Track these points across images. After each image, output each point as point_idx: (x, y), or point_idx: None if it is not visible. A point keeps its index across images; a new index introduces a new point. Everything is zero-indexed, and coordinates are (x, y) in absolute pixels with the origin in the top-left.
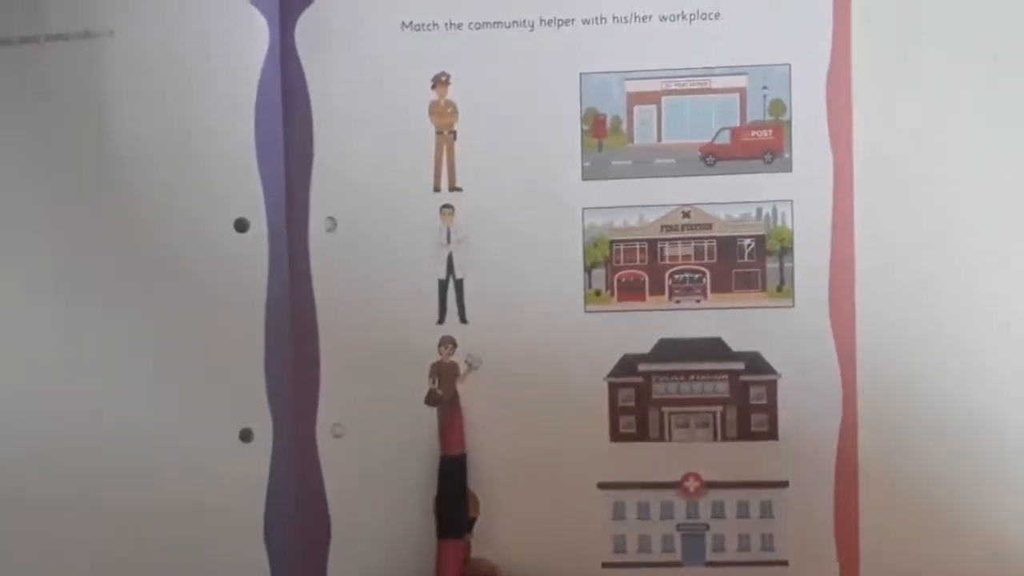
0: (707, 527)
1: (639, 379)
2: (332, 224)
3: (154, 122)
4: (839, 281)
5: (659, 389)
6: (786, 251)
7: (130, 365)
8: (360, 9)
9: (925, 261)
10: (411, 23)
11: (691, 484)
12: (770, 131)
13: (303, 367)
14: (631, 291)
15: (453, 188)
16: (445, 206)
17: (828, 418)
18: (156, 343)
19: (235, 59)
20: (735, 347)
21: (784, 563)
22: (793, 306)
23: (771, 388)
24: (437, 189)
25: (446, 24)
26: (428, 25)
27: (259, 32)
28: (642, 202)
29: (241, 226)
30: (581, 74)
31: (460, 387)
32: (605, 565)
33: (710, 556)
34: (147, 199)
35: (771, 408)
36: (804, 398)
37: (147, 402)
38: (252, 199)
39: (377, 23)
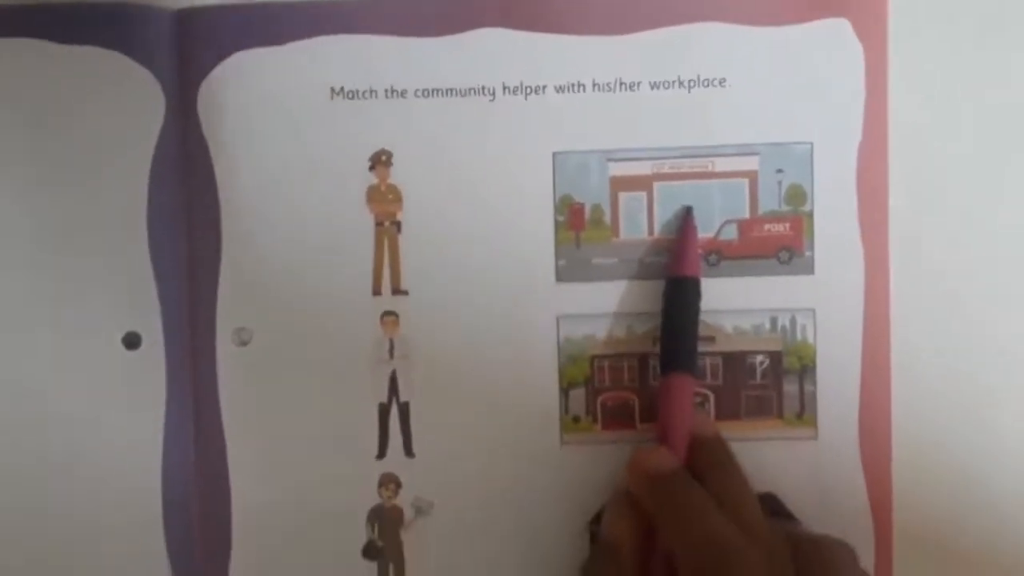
0: None
1: None
2: (245, 336)
3: (20, 207)
4: (872, 408)
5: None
6: (807, 370)
7: None
8: (281, 72)
9: (974, 383)
10: (343, 90)
11: None
12: (787, 224)
13: (211, 513)
14: (618, 418)
15: (397, 291)
16: (387, 313)
17: None
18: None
19: (121, 133)
20: None
21: None
22: (816, 438)
23: None
24: (377, 292)
25: (387, 91)
26: (365, 92)
27: (151, 99)
28: (630, 309)
29: (131, 341)
30: (554, 153)
31: (405, 537)
32: None
33: None
34: (15, 305)
35: None
36: None
37: None
38: (145, 307)
39: (302, 89)
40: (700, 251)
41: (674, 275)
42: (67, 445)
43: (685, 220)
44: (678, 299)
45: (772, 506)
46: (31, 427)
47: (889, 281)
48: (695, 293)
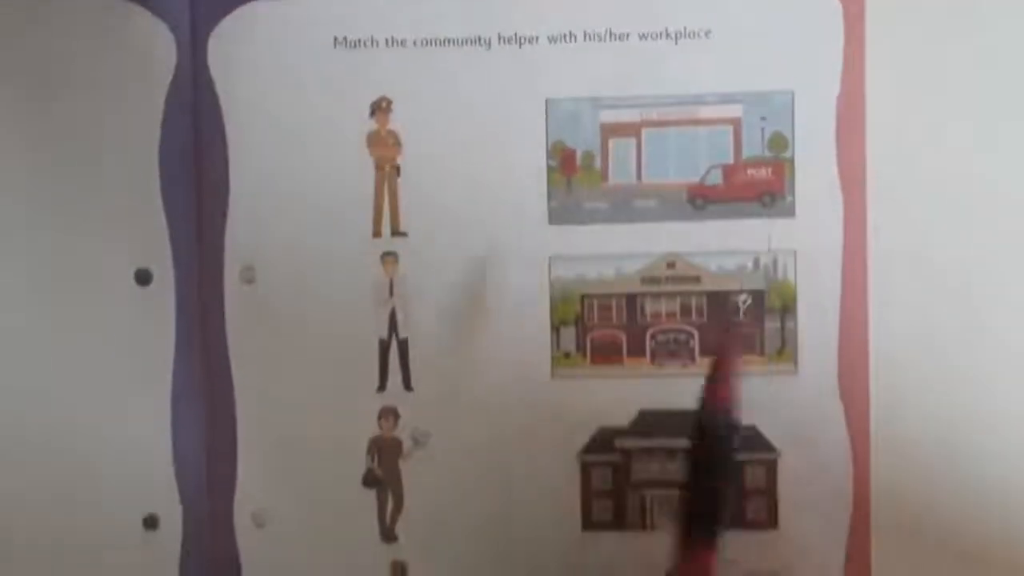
0: None
1: (616, 457)
2: (251, 274)
3: (35, 149)
4: (850, 344)
5: (640, 469)
6: (788, 309)
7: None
8: (286, 23)
9: (951, 320)
10: (346, 39)
11: None
12: (769, 169)
13: (218, 444)
14: (606, 354)
15: (396, 233)
16: (387, 254)
17: (836, 506)
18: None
19: (135, 81)
20: None
21: None
22: (796, 373)
23: (770, 469)
24: (377, 234)
25: (387, 40)
26: (366, 42)
27: (163, 49)
28: (619, 251)
29: (143, 278)
30: (547, 100)
31: (403, 467)
32: None
33: None
34: (32, 248)
35: (769, 493)
36: (808, 481)
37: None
38: (156, 246)
39: (306, 39)
40: (685, 195)
41: (709, 410)
42: (76, 380)
43: (725, 344)
44: (712, 446)
45: (753, 439)
46: (40, 362)
47: (867, 223)
48: (728, 435)
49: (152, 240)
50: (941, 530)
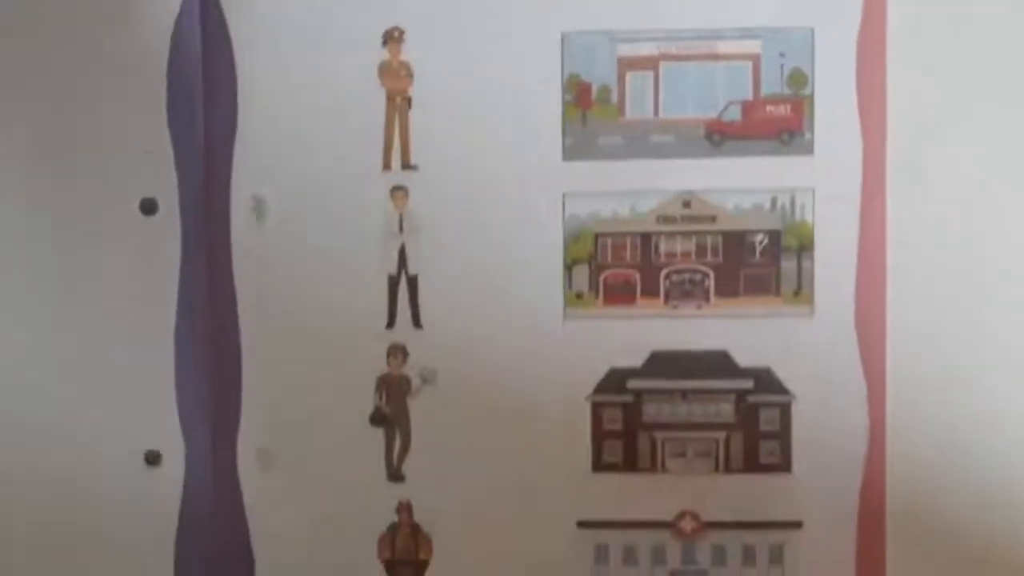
0: (706, 575)
1: (628, 398)
2: (259, 207)
3: (41, 81)
4: (867, 285)
5: (651, 411)
6: (805, 249)
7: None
8: None
9: (969, 261)
10: None
11: (687, 524)
12: (788, 106)
13: (222, 381)
14: (620, 294)
15: (407, 166)
16: (397, 188)
17: (851, 448)
18: (52, 347)
19: (144, 8)
20: (742, 362)
21: None
22: (812, 314)
23: (784, 411)
24: (387, 167)
25: None
26: None
27: None
28: (634, 188)
29: (148, 207)
30: (563, 34)
31: (412, 405)
32: None
33: None
34: (34, 174)
35: (784, 435)
36: (823, 424)
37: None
38: (162, 175)
39: None
40: (702, 132)
41: None
42: (78, 309)
43: None
44: None
45: (768, 382)
46: (43, 290)
47: (886, 162)
48: None
49: (158, 169)
50: (958, 472)
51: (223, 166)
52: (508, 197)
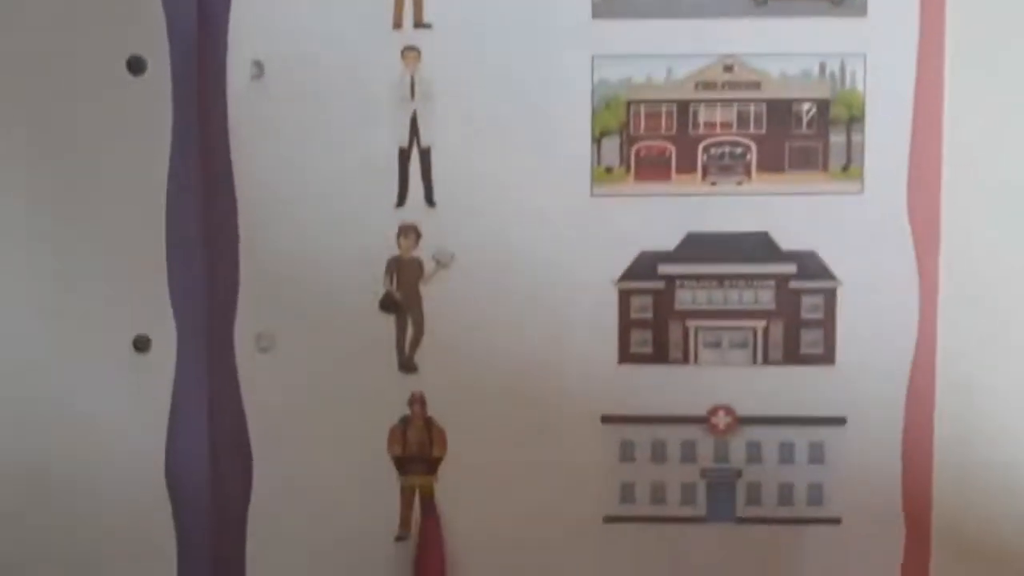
0: (739, 474)
1: (659, 284)
2: (257, 70)
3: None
4: (922, 161)
5: (684, 298)
6: (856, 121)
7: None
8: None
9: None
10: None
11: (720, 420)
12: None
13: (217, 261)
14: (653, 168)
15: (420, 24)
16: (408, 48)
17: (899, 339)
18: (26, 224)
19: None
20: (785, 245)
21: (836, 521)
22: (862, 191)
23: (829, 298)
24: (398, 25)
25: None
26: None
27: None
28: (671, 50)
29: (136, 66)
30: None
31: (424, 290)
32: (608, 519)
33: (742, 511)
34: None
35: (828, 324)
36: (871, 312)
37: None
38: (151, 30)
39: None
40: None
41: None
42: (64, 178)
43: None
44: None
45: (812, 265)
46: (34, 166)
47: (944, 24)
48: None
49: (148, 27)
50: (1012, 366)
51: (219, 25)
52: (530, 60)
